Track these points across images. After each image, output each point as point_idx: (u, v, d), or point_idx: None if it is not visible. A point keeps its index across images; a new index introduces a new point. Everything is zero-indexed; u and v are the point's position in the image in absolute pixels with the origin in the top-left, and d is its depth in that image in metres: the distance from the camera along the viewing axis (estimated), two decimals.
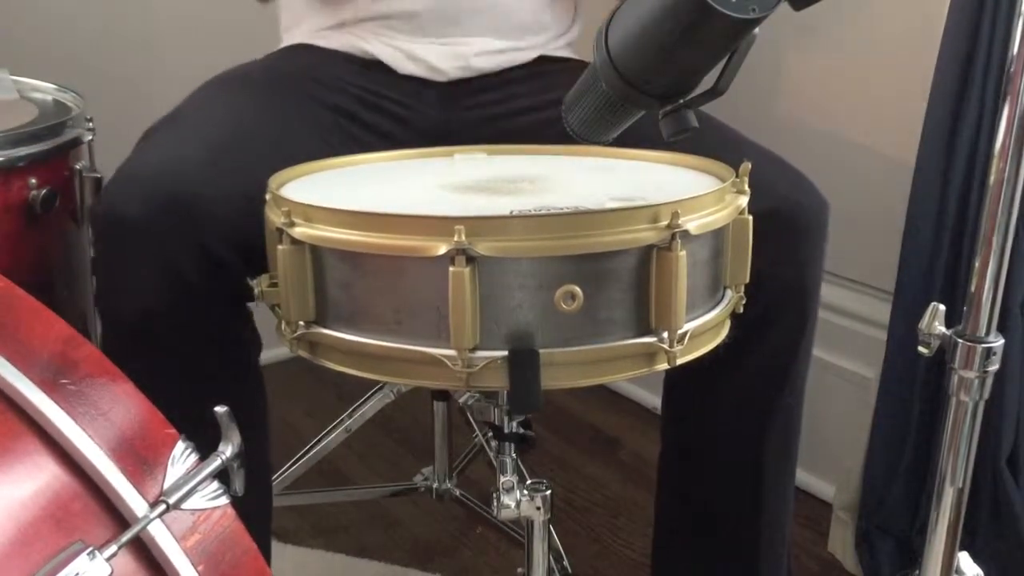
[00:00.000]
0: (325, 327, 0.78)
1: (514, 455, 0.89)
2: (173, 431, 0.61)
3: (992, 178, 0.74)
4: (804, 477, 1.61)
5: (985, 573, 0.86)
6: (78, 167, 1.10)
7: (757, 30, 0.64)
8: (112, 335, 0.96)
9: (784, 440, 1.14)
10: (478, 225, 0.70)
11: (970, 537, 1.30)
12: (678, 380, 1.16)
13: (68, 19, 1.78)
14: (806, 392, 1.14)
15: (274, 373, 1.09)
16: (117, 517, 0.57)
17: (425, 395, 1.50)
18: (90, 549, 0.54)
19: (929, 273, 1.31)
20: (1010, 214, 0.74)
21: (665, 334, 0.75)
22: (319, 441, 1.48)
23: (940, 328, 0.79)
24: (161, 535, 0.57)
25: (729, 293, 0.84)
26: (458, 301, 0.71)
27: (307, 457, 1.47)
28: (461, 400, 1.05)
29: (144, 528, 0.56)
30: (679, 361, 0.76)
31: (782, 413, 1.12)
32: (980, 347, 0.77)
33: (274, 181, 0.85)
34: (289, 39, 1.27)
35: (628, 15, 0.68)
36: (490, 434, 0.92)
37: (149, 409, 0.61)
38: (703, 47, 0.66)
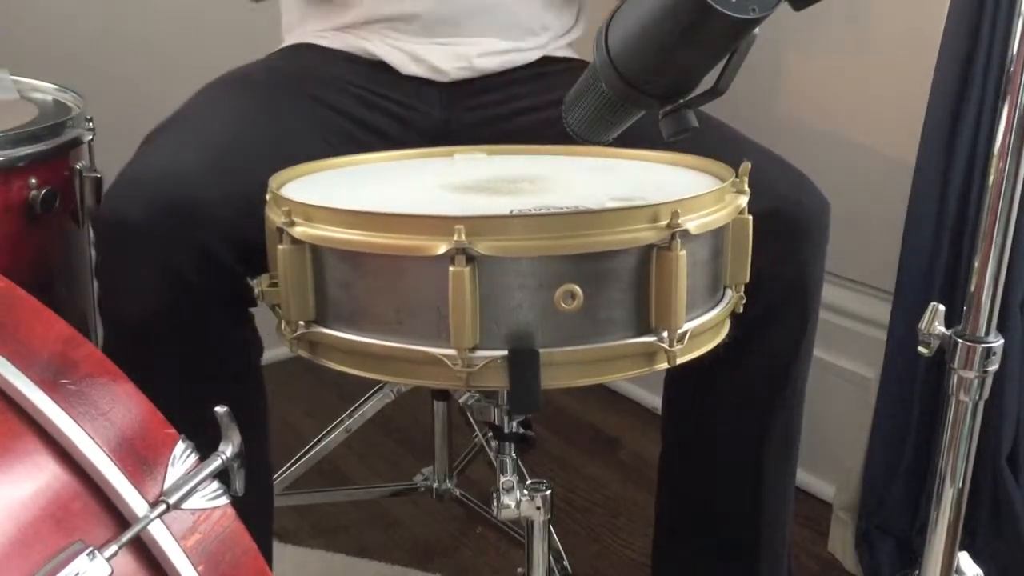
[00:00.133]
0: (325, 327, 0.78)
1: (514, 455, 0.89)
2: (173, 431, 0.61)
3: (992, 178, 0.74)
4: (804, 477, 1.60)
5: (985, 573, 0.86)
6: (78, 167, 1.10)
7: (757, 30, 0.64)
8: (114, 338, 0.96)
9: (784, 440, 1.14)
10: (478, 225, 0.70)
11: (970, 537, 1.30)
12: (678, 380, 1.17)
13: (68, 19, 1.78)
14: (806, 392, 1.15)
15: (274, 373, 1.09)
16: (117, 517, 0.57)
17: (425, 395, 1.50)
18: (90, 549, 0.54)
19: (929, 273, 1.31)
20: (1010, 214, 0.74)
21: (665, 334, 0.75)
22: (319, 441, 1.48)
23: (940, 328, 0.79)
24: (161, 535, 0.57)
25: (729, 293, 0.84)
26: (458, 301, 0.71)
27: (307, 457, 1.47)
28: (461, 400, 1.05)
29: (144, 528, 0.56)
30: (679, 361, 0.76)
31: (782, 413, 1.12)
32: (980, 347, 0.77)
33: (274, 181, 0.85)
34: (291, 39, 1.28)
35: (628, 15, 0.68)
36: (490, 434, 0.92)
37: (149, 409, 0.61)
38: (703, 47, 0.66)
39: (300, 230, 0.76)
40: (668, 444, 1.23)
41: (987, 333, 0.77)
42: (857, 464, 1.44)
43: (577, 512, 1.64)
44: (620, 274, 0.73)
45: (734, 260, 0.83)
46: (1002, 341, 0.78)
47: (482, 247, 0.70)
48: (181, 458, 0.60)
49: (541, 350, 0.72)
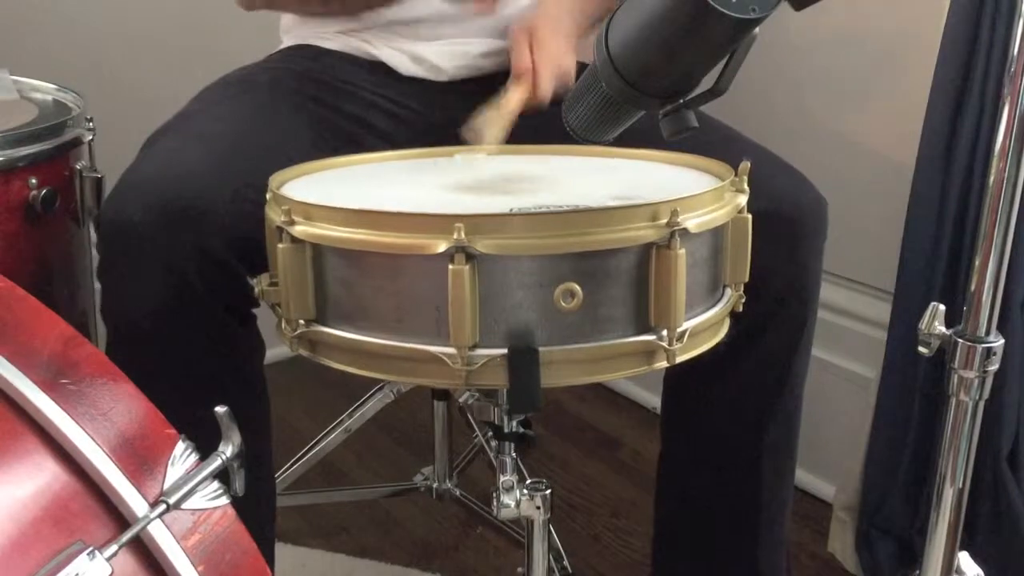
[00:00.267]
0: (325, 325, 0.78)
1: (514, 455, 0.89)
2: (173, 431, 0.61)
3: (992, 178, 0.74)
4: (804, 477, 1.61)
5: (985, 573, 0.86)
6: (78, 167, 1.10)
7: (757, 30, 0.64)
8: (117, 339, 0.96)
9: (783, 439, 1.14)
10: (478, 223, 0.70)
11: (970, 537, 1.30)
12: (677, 379, 1.17)
13: (68, 19, 1.78)
14: (806, 392, 1.15)
15: (274, 373, 1.09)
16: (117, 517, 0.57)
17: (425, 395, 1.50)
18: (90, 549, 0.54)
19: (929, 273, 1.31)
20: (1010, 214, 0.74)
21: (664, 332, 0.75)
22: (319, 441, 1.48)
23: (940, 328, 0.79)
24: (161, 535, 0.57)
25: (728, 292, 0.84)
26: (458, 299, 0.71)
27: (307, 457, 1.47)
28: (461, 400, 1.05)
29: (144, 528, 0.56)
30: (678, 359, 0.76)
31: (782, 412, 1.12)
32: (980, 347, 0.77)
33: (274, 181, 0.85)
34: (289, 40, 1.28)
35: (628, 15, 0.68)
36: (490, 434, 0.92)
37: (149, 409, 0.61)
38: (703, 47, 0.66)
39: (300, 229, 0.76)
40: (667, 443, 1.23)
41: (987, 333, 0.77)
42: (857, 464, 1.44)
43: (577, 512, 1.64)
44: (620, 273, 0.73)
45: (733, 259, 0.83)
46: (1002, 341, 0.78)
47: (482, 245, 0.70)
48: (181, 458, 0.60)
49: (541, 349, 0.72)
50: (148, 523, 0.57)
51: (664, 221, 0.73)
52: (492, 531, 1.56)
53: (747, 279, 0.84)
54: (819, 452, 1.53)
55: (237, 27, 1.56)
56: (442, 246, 0.70)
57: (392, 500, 1.64)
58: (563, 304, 0.71)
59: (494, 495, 0.86)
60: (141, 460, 0.59)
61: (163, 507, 0.57)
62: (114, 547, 0.54)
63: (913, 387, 1.35)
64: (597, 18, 1.17)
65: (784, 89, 1.65)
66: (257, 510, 1.07)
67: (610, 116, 0.74)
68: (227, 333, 0.98)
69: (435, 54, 1.18)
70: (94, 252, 1.03)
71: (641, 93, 0.70)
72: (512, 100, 1.04)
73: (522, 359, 0.72)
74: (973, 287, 0.77)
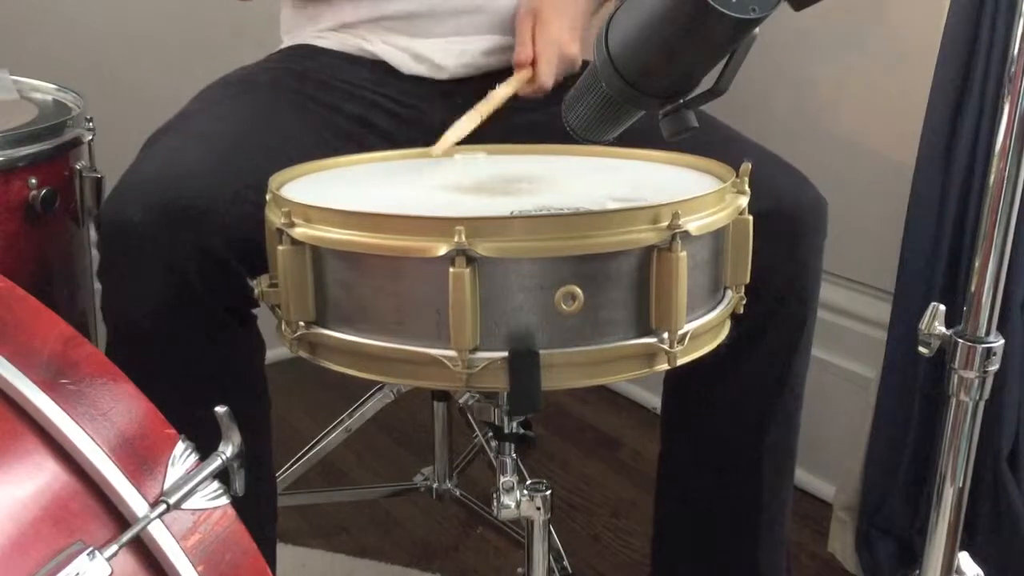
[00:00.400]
0: (325, 327, 0.78)
1: (514, 455, 0.89)
2: (173, 431, 0.61)
3: (992, 178, 0.74)
4: (804, 477, 1.61)
5: (985, 573, 0.86)
6: (78, 167, 1.10)
7: (757, 30, 0.64)
8: (117, 339, 0.96)
9: (783, 439, 1.14)
10: (478, 226, 0.70)
11: (970, 537, 1.30)
12: (678, 380, 1.17)
13: (68, 19, 1.78)
14: (806, 392, 1.15)
15: (274, 373, 1.09)
16: (117, 517, 0.57)
17: (425, 395, 1.50)
18: (90, 549, 0.54)
19: (929, 273, 1.31)
20: (1010, 214, 0.74)
21: (665, 335, 0.75)
22: (319, 441, 1.48)
23: (940, 328, 0.79)
24: (161, 535, 0.57)
25: (729, 293, 0.84)
26: (458, 302, 0.71)
27: (307, 457, 1.47)
28: (461, 400, 1.05)
29: (144, 528, 0.56)
30: (679, 362, 0.76)
31: (781, 413, 1.12)
32: (980, 347, 0.77)
33: (274, 181, 0.85)
34: (289, 40, 1.27)
35: (628, 15, 0.68)
36: (490, 434, 0.92)
37: (149, 409, 0.61)
38: (703, 47, 0.65)
39: (300, 231, 0.76)
40: (667, 444, 1.23)
41: (987, 333, 0.77)
42: (857, 464, 1.44)
43: (577, 512, 1.64)
44: (620, 275, 0.73)
45: (734, 261, 0.83)
46: (1002, 341, 0.78)
47: (482, 248, 0.70)
48: (181, 458, 0.60)
49: (541, 351, 0.72)
50: (148, 523, 0.57)
51: (665, 224, 0.73)
52: (492, 531, 1.56)
53: (748, 280, 0.84)
54: (819, 452, 1.53)
55: (237, 27, 1.56)
56: (443, 249, 0.70)
57: (392, 500, 1.64)
58: (564, 307, 0.71)
59: (494, 495, 0.86)
60: (141, 460, 0.59)
61: (163, 507, 0.57)
62: (114, 547, 0.54)
63: (913, 387, 1.35)
64: (600, 1, 1.17)
65: (784, 89, 1.65)
66: (257, 510, 1.07)
67: (610, 116, 0.74)
68: (227, 333, 0.98)
69: (436, 52, 1.18)
70: (94, 252, 1.03)
71: (641, 93, 0.70)
72: (501, 92, 1.04)
73: (523, 362, 0.72)
74: (973, 287, 0.77)
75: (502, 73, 1.20)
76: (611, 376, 0.76)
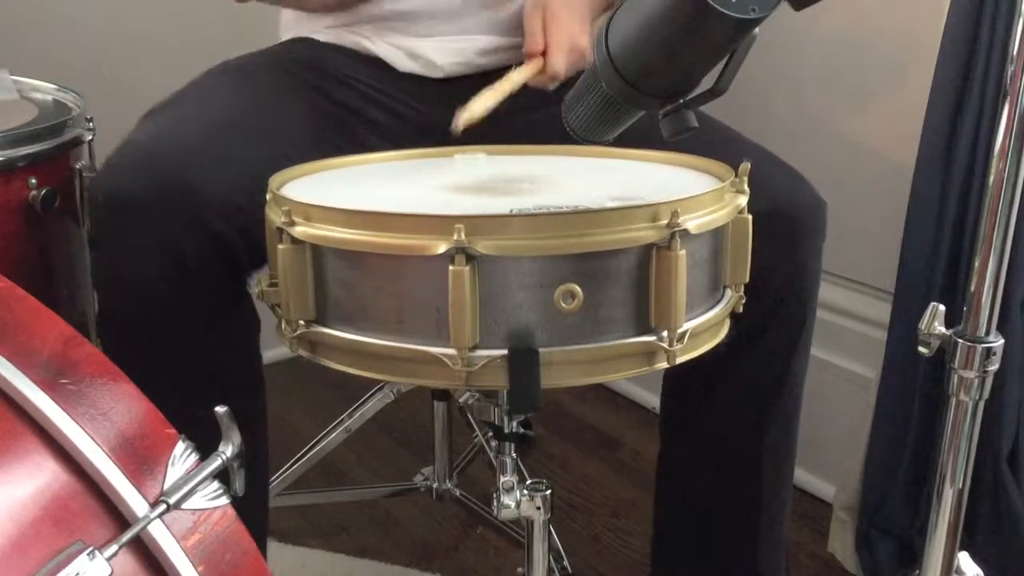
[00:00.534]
0: (325, 326, 0.78)
1: (514, 455, 0.89)
2: (173, 431, 0.61)
3: (992, 178, 0.74)
4: (804, 477, 1.61)
5: (985, 573, 0.86)
6: (78, 167, 1.10)
7: (757, 30, 0.64)
8: (109, 311, 0.96)
9: (783, 439, 1.14)
10: (478, 224, 0.70)
11: (970, 537, 1.30)
12: (676, 379, 1.17)
13: (68, 19, 1.78)
14: (806, 392, 1.15)
15: (274, 373, 1.09)
16: (117, 517, 0.57)
17: (425, 395, 1.50)
18: (90, 549, 0.54)
19: (929, 273, 1.31)
20: (1010, 214, 0.74)
21: (665, 333, 0.75)
22: (319, 441, 1.48)
23: (940, 328, 0.79)
24: (161, 535, 0.57)
25: (729, 292, 0.84)
26: (458, 300, 0.71)
27: (307, 457, 1.47)
28: (461, 400, 1.05)
29: (144, 528, 0.56)
30: (679, 360, 0.76)
31: (781, 413, 1.12)
32: (980, 347, 0.77)
33: (274, 181, 0.85)
34: (288, 37, 1.28)
35: (628, 15, 0.68)
36: (490, 434, 0.92)
37: (149, 409, 0.61)
38: (703, 47, 0.66)
39: (300, 230, 0.76)
40: (666, 443, 1.23)
41: (987, 333, 0.77)
42: (857, 464, 1.44)
43: (577, 512, 1.64)
44: (620, 274, 0.73)
45: (734, 260, 0.83)
46: (1002, 341, 0.78)
47: (482, 247, 0.70)
48: (181, 458, 0.60)
49: (541, 349, 0.72)
50: (148, 523, 0.56)
51: (664, 222, 0.73)
52: (492, 531, 1.56)
53: (747, 280, 0.84)
54: (819, 452, 1.53)
55: (237, 27, 1.56)
56: (442, 247, 0.70)
57: (392, 500, 1.64)
58: (563, 305, 0.71)
59: (494, 495, 0.86)
60: (141, 460, 0.59)
61: (163, 507, 0.57)
62: (114, 547, 0.54)
63: (913, 387, 1.35)
64: (607, 4, 1.17)
65: (784, 89, 1.65)
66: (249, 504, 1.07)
67: (610, 116, 0.74)
68: (221, 305, 0.97)
69: (431, 50, 1.18)
70: (91, 269, 1.03)
71: (641, 93, 0.70)
72: (513, 77, 1.03)
73: (522, 360, 0.72)
74: (973, 287, 0.77)
75: (499, 72, 1.21)
76: (611, 374, 0.76)
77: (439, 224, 0.70)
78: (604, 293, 0.73)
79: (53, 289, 1.11)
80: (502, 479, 0.86)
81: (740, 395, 1.11)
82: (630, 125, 0.76)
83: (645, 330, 0.75)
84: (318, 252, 0.77)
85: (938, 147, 1.28)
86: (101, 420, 0.58)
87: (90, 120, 1.12)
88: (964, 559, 0.85)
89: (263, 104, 1.09)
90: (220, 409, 0.62)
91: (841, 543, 1.49)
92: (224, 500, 0.61)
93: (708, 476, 1.17)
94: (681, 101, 0.70)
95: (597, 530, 1.60)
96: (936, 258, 1.31)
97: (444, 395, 1.47)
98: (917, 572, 0.86)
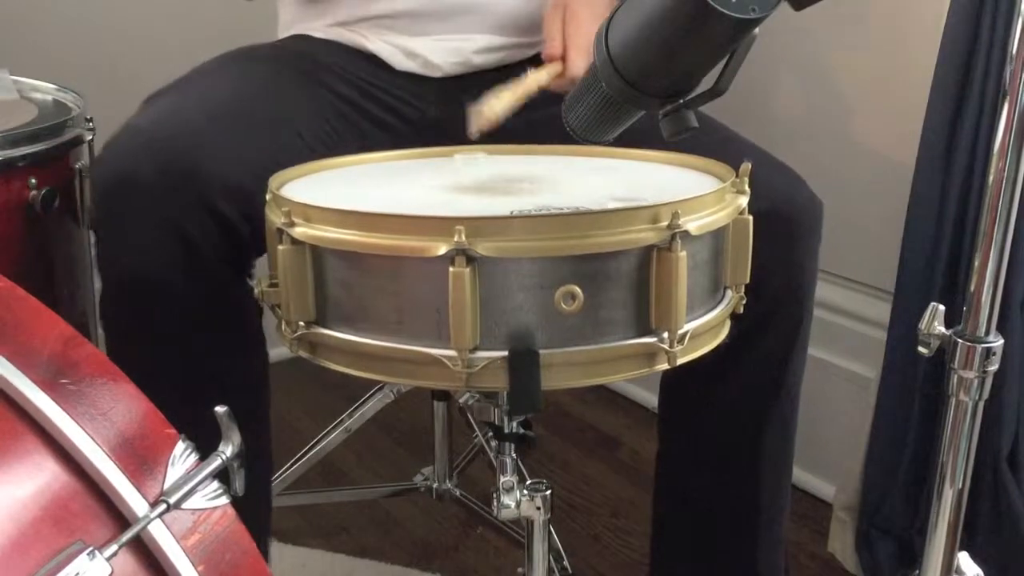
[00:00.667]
0: (325, 327, 0.78)
1: (514, 455, 0.89)
2: (173, 431, 0.61)
3: (992, 178, 0.74)
4: (804, 477, 1.61)
5: (985, 573, 0.86)
6: (78, 167, 1.10)
7: (757, 30, 0.64)
8: (112, 293, 0.96)
9: (781, 439, 1.14)
10: (478, 225, 0.70)
11: (970, 537, 1.30)
12: (675, 379, 1.17)
13: (68, 19, 1.78)
14: (806, 392, 1.15)
15: (274, 373, 1.09)
16: (117, 517, 0.57)
17: (425, 395, 1.50)
18: (90, 549, 0.54)
19: (929, 273, 1.31)
20: (1010, 214, 0.74)
21: (665, 334, 0.75)
22: (319, 441, 1.48)
23: (940, 328, 0.79)
24: (161, 535, 0.57)
25: (729, 293, 0.84)
26: (458, 301, 0.71)
27: (307, 457, 1.47)
28: (461, 400, 1.05)
29: (144, 528, 0.56)
30: (679, 361, 0.76)
31: (778, 412, 1.12)
32: (980, 347, 0.77)
33: (274, 181, 0.85)
34: (287, 35, 1.28)
35: (628, 15, 0.68)
36: (490, 434, 0.92)
37: (149, 409, 0.61)
38: (703, 47, 0.65)
39: (300, 230, 0.76)
40: (665, 443, 1.23)
41: (987, 333, 0.77)
42: (857, 464, 1.44)
43: (577, 512, 1.64)
44: (620, 275, 0.73)
45: (734, 260, 0.83)
46: (1002, 341, 0.78)
47: (482, 248, 0.70)
48: (181, 458, 0.60)
49: (541, 351, 0.72)
50: (148, 523, 0.56)
51: (665, 223, 0.73)
52: (492, 531, 1.56)
53: (748, 280, 0.84)
54: (819, 452, 1.53)
55: (237, 27, 1.56)
56: (443, 248, 0.70)
57: (392, 500, 1.64)
58: (564, 306, 0.71)
59: (494, 495, 0.86)
60: (141, 460, 0.59)
61: (163, 507, 0.57)
62: (114, 547, 0.54)
63: (913, 387, 1.35)
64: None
65: (784, 90, 1.65)
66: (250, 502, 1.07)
67: (610, 116, 0.74)
68: (225, 286, 0.98)
69: (429, 49, 1.19)
70: (94, 252, 1.03)
71: (641, 93, 0.70)
72: (532, 78, 1.03)
73: (522, 362, 0.72)
74: (973, 287, 0.77)
75: (496, 72, 1.21)
76: (611, 376, 0.76)
77: (439, 225, 0.70)
78: (604, 294, 0.73)
79: (53, 289, 1.11)
80: (502, 479, 0.86)
81: (738, 395, 1.11)
82: (630, 125, 0.76)
83: (645, 331, 0.75)
84: (318, 253, 0.77)
85: (938, 147, 1.28)
86: (101, 420, 0.58)
87: (90, 120, 1.12)
88: (964, 559, 0.85)
89: (265, 90, 1.10)
90: (220, 409, 0.62)
91: (841, 543, 1.49)
92: (224, 500, 0.61)
93: (707, 476, 1.17)
94: (681, 101, 0.70)
95: (597, 530, 1.60)
96: (936, 258, 1.31)
97: (444, 395, 1.47)
98: (917, 572, 0.86)
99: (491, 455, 1.42)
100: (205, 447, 0.61)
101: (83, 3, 1.80)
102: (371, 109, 1.17)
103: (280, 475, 1.44)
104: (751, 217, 0.83)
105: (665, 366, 0.77)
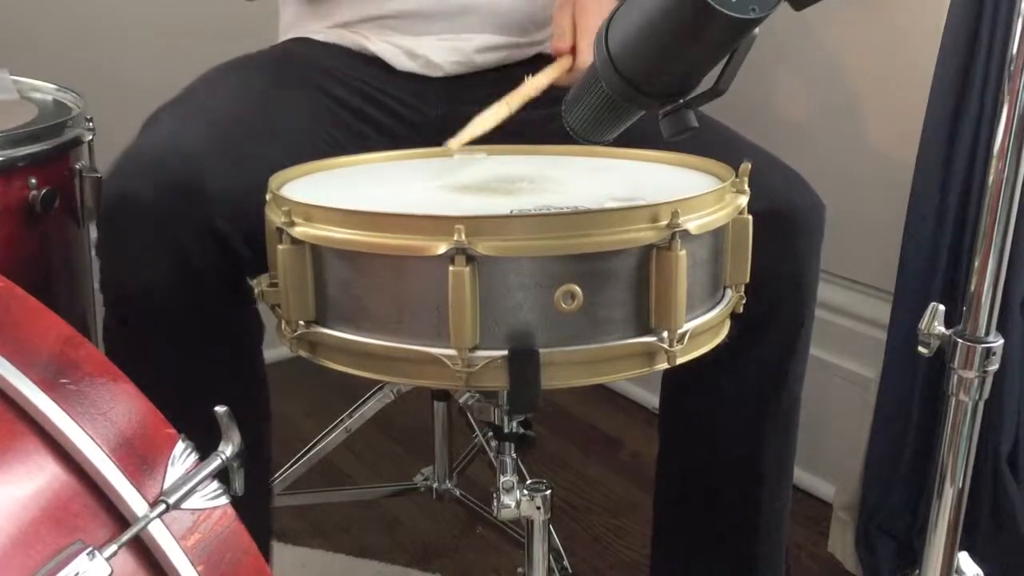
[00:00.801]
0: (325, 327, 0.78)
1: (514, 455, 0.89)
2: (173, 431, 0.61)
3: (992, 178, 0.74)
4: (804, 477, 1.61)
5: (985, 573, 0.86)
6: (78, 167, 1.10)
7: (757, 30, 0.64)
8: (115, 316, 0.96)
9: (782, 440, 1.14)
10: (478, 225, 0.70)
11: (970, 537, 1.30)
12: (675, 379, 1.17)
13: (68, 19, 1.78)
14: (806, 392, 1.14)
15: (274, 373, 1.09)
16: (117, 517, 0.57)
17: (425, 395, 1.50)
18: (90, 549, 0.54)
19: (929, 273, 1.31)
20: (1010, 214, 0.74)
21: (665, 334, 0.75)
22: (319, 441, 1.48)
23: (940, 328, 0.79)
24: (161, 535, 0.57)
25: (729, 293, 0.84)
26: (458, 301, 0.71)
27: (307, 457, 1.47)
28: (461, 400, 1.05)
29: (144, 528, 0.56)
30: (679, 361, 0.76)
31: (780, 413, 1.12)
32: (980, 347, 0.77)
33: (274, 181, 0.85)
34: (287, 38, 1.28)
35: (628, 15, 0.68)
36: (490, 434, 0.92)
37: (149, 409, 0.61)
38: (703, 47, 0.65)
39: (300, 230, 0.76)
40: (665, 443, 1.22)
41: (987, 333, 0.77)
42: (857, 464, 1.44)
43: (577, 512, 1.64)
44: (620, 274, 0.73)
45: (734, 260, 0.83)
46: (1002, 341, 0.78)
47: (482, 247, 0.70)
48: (181, 458, 0.60)
49: (541, 350, 0.72)
50: (148, 523, 0.57)
51: (665, 223, 0.73)
52: (492, 531, 1.56)
53: (747, 280, 0.84)
54: (819, 452, 1.53)
55: (238, 27, 1.56)
56: (442, 248, 0.70)
57: (392, 500, 1.64)
58: (563, 306, 0.71)
59: (494, 495, 0.86)
60: (141, 460, 0.59)
61: (163, 507, 0.57)
62: (114, 547, 0.54)
63: (913, 387, 1.35)
64: None
65: (784, 90, 1.65)
66: (252, 503, 1.07)
67: (610, 116, 0.74)
68: (226, 310, 0.97)
69: (430, 49, 1.18)
70: (94, 252, 1.03)
71: (641, 93, 0.70)
72: (535, 79, 1.02)
73: (522, 361, 0.72)
74: (973, 287, 0.77)
75: (497, 71, 1.21)
76: (610, 375, 0.76)
77: (439, 225, 0.70)
78: (604, 294, 0.73)
79: (53, 289, 1.11)
80: (502, 479, 0.86)
81: (739, 396, 1.11)
82: (630, 125, 0.76)
83: (645, 331, 0.75)
84: (318, 252, 0.77)
85: (938, 147, 1.28)
86: (101, 420, 0.58)
87: (90, 120, 1.12)
88: (964, 559, 0.85)
89: (268, 101, 1.10)
90: (220, 409, 0.62)
91: (841, 543, 1.49)
92: (224, 500, 0.61)
93: (706, 476, 1.17)
94: (681, 101, 0.70)
95: (597, 530, 1.60)
96: (936, 258, 1.31)
97: (444, 395, 1.47)
98: (917, 572, 0.86)
99: (491, 455, 1.42)
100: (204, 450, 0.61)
101: (83, 3, 1.80)
102: (372, 114, 1.17)
103: (280, 475, 1.44)
104: (751, 217, 0.83)
105: (665, 365, 0.77)
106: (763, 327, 1.05)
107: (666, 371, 0.78)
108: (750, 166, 0.83)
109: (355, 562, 1.51)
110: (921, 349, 0.79)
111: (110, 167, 0.97)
